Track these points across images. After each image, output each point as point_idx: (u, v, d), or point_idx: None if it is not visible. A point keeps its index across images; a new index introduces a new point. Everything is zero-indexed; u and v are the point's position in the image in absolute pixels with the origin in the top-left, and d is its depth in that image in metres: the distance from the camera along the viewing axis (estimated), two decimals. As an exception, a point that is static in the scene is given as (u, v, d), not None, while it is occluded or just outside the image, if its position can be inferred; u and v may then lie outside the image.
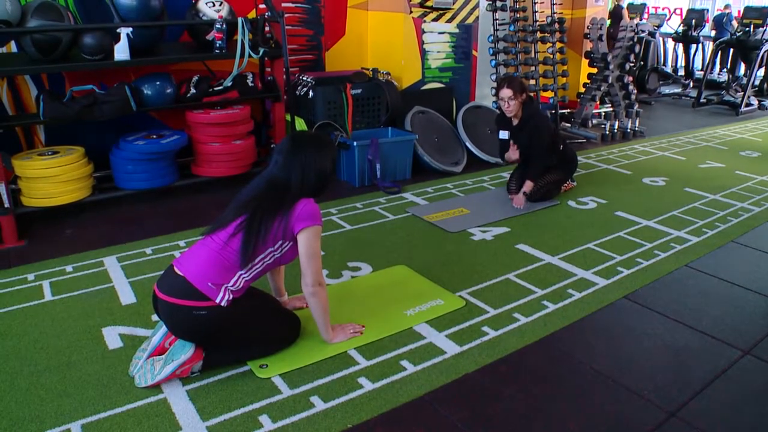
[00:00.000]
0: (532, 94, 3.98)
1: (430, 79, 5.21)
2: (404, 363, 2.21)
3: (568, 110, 6.57)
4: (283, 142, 2.20)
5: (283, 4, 4.69)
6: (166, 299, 2.05)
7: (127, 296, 2.69)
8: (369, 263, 3.04)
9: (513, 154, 4.00)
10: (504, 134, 4.03)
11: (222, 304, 2.04)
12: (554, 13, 5.83)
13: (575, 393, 2.07)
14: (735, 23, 9.24)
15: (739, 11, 10.01)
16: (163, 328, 2.15)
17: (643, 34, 8.22)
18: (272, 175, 2.16)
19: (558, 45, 5.86)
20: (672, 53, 10.48)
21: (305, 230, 2.11)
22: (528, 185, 3.89)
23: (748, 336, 2.44)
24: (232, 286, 2.07)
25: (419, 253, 3.19)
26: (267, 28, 4.19)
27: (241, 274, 2.09)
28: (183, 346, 2.07)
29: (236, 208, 2.13)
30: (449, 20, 5.18)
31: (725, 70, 9.49)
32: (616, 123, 6.11)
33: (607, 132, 5.99)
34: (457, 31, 5.25)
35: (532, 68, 5.64)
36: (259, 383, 2.08)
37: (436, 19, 5.09)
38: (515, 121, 3.93)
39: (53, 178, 3.45)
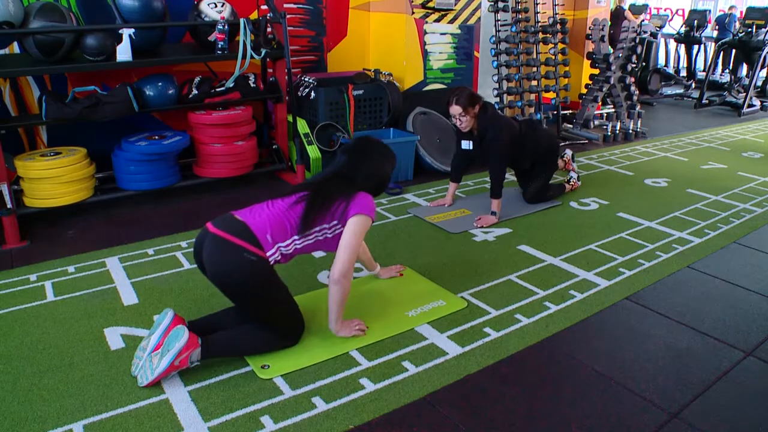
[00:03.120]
0: (487, 102, 3.67)
1: (432, 80, 5.21)
2: (406, 364, 2.21)
3: (570, 111, 6.57)
4: (354, 145, 2.40)
5: (285, 5, 4.70)
6: (220, 234, 2.10)
7: (128, 297, 2.69)
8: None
9: (485, 221, 3.62)
10: (466, 144, 3.77)
11: (270, 259, 2.12)
12: (556, 13, 5.83)
13: (577, 394, 2.07)
14: (737, 24, 9.22)
15: (741, 12, 10.00)
16: (161, 326, 2.11)
17: (645, 35, 8.21)
18: (338, 170, 2.33)
19: (560, 46, 5.86)
20: (674, 54, 10.47)
21: (357, 216, 2.23)
22: (495, 204, 3.66)
23: (750, 337, 2.44)
24: (284, 247, 2.16)
25: (421, 254, 3.19)
26: (269, 29, 4.20)
27: (294, 240, 2.18)
28: (176, 335, 2.05)
29: (300, 186, 2.30)
30: (451, 21, 5.18)
31: (727, 71, 9.48)
32: (618, 124, 6.11)
33: (609, 133, 5.98)
34: (458, 32, 5.26)
35: (534, 69, 5.64)
36: (261, 384, 2.08)
37: (438, 20, 5.09)
38: (475, 132, 3.71)
39: (55, 178, 3.46)
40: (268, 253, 2.12)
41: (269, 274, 2.15)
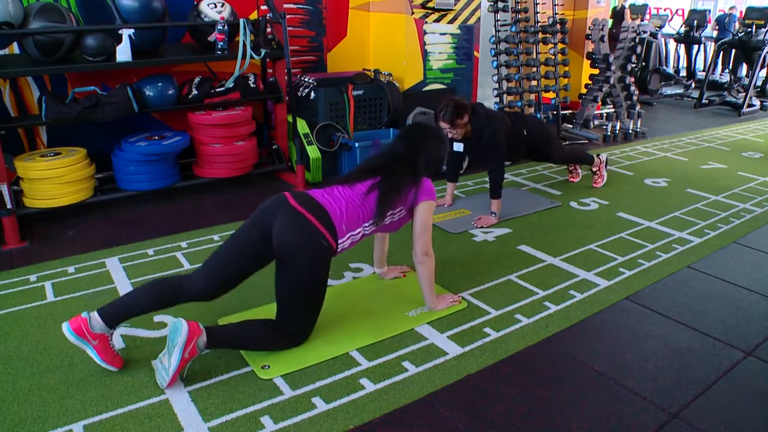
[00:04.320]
0: (475, 105, 3.67)
1: (432, 80, 5.21)
2: (406, 364, 2.21)
3: (570, 111, 6.57)
4: (411, 131, 2.56)
5: (285, 6, 4.70)
6: (302, 211, 2.15)
7: (129, 297, 2.69)
8: (371, 264, 3.04)
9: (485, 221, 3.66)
10: (458, 146, 3.74)
11: (339, 247, 2.22)
12: (556, 13, 5.83)
13: (577, 394, 2.07)
14: (737, 24, 9.22)
15: (741, 12, 10.00)
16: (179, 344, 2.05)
17: (644, 35, 8.21)
18: (396, 152, 2.44)
19: (560, 46, 5.86)
20: (674, 54, 10.46)
21: (425, 203, 2.39)
22: (495, 204, 3.68)
23: (750, 337, 2.44)
24: (354, 235, 2.27)
25: (421, 254, 3.19)
26: (269, 30, 4.20)
27: (365, 227, 2.29)
28: (175, 329, 2.01)
29: (364, 172, 2.37)
30: (451, 21, 5.18)
31: (727, 70, 9.47)
32: (618, 124, 6.11)
33: (609, 133, 5.98)
34: (458, 32, 5.26)
35: (534, 69, 5.64)
36: (261, 384, 2.08)
37: (437, 20, 5.09)
38: (470, 135, 3.67)
39: (55, 179, 3.46)
40: (339, 241, 2.21)
41: (328, 264, 2.23)
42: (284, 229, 2.14)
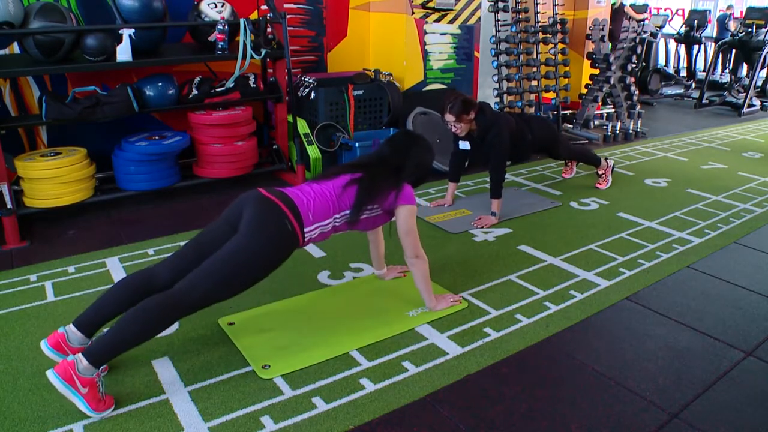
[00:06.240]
0: (482, 104, 3.69)
1: (432, 80, 5.21)
2: (406, 364, 2.21)
3: (570, 111, 6.57)
4: (399, 137, 2.57)
5: (285, 6, 4.70)
6: (268, 196, 2.19)
7: (129, 297, 2.69)
8: (371, 264, 3.04)
9: (486, 221, 3.64)
10: (464, 144, 3.77)
11: (305, 236, 2.22)
12: (556, 13, 5.83)
13: (577, 394, 2.07)
14: (732, 24, 9.22)
15: (741, 12, 9.99)
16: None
17: (645, 35, 8.21)
18: (384, 156, 2.47)
19: (560, 46, 5.86)
20: (674, 54, 10.47)
21: (405, 207, 2.40)
22: (495, 204, 3.67)
23: (750, 337, 2.44)
24: (324, 226, 2.27)
25: (421, 254, 3.19)
26: (269, 30, 4.20)
27: (335, 218, 2.30)
28: (53, 380, 1.84)
29: (346, 167, 2.41)
30: (451, 21, 5.18)
31: (727, 71, 9.47)
32: (618, 124, 6.11)
33: (609, 133, 5.98)
34: (458, 32, 5.26)
35: (534, 69, 5.64)
36: (261, 384, 2.08)
37: (438, 20, 5.09)
38: (475, 133, 3.70)
39: (55, 179, 3.46)
40: (306, 229, 2.21)
41: (286, 250, 2.19)
42: (254, 210, 2.16)
